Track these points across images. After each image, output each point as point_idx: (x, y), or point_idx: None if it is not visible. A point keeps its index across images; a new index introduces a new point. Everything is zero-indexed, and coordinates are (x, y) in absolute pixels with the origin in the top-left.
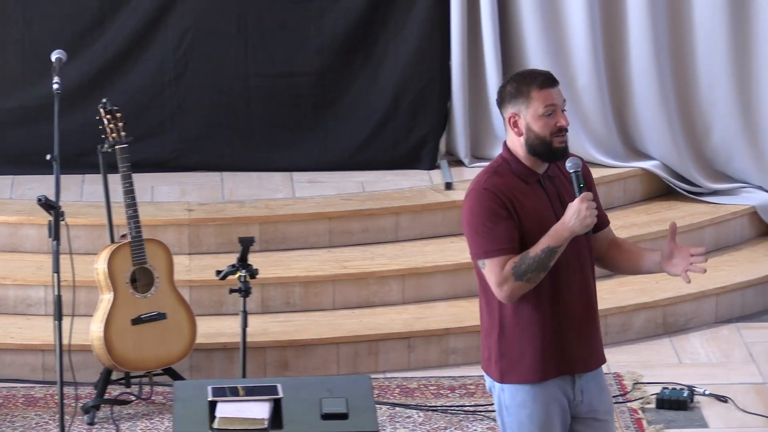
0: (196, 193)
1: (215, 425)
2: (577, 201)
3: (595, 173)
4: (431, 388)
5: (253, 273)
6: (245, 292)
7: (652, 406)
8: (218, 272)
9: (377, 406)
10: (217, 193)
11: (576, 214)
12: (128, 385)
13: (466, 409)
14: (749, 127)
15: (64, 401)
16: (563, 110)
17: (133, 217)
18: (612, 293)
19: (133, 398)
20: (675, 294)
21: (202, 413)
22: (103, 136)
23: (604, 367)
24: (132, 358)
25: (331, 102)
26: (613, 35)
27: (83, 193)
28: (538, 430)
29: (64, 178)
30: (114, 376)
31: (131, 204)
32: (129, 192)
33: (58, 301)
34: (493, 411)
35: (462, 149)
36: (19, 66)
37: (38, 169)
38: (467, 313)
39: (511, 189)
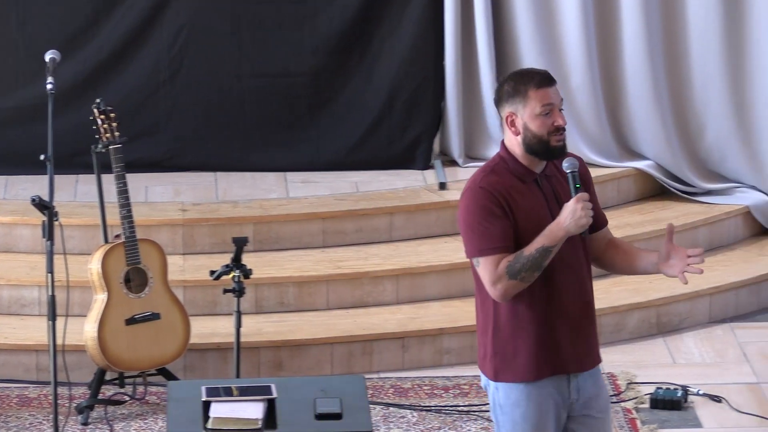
0: (190, 193)
1: (209, 425)
2: (572, 201)
3: None
4: (425, 388)
5: (246, 273)
6: (239, 292)
7: (646, 406)
8: (212, 272)
9: (371, 406)
10: (211, 193)
11: (571, 214)
12: (122, 386)
13: (460, 409)
14: (743, 127)
15: (58, 401)
16: (560, 109)
17: (127, 217)
18: (606, 293)
19: (127, 398)
20: (669, 294)
21: (196, 413)
22: (97, 136)
23: None
24: (126, 359)
25: (325, 102)
26: (607, 34)
27: (77, 193)
28: (532, 429)
29: (58, 178)
30: (108, 376)
31: (125, 204)
32: (123, 192)
33: (52, 302)
34: (487, 411)
35: (456, 149)
36: (13, 66)
37: (32, 169)
38: (461, 313)
39: (507, 188)
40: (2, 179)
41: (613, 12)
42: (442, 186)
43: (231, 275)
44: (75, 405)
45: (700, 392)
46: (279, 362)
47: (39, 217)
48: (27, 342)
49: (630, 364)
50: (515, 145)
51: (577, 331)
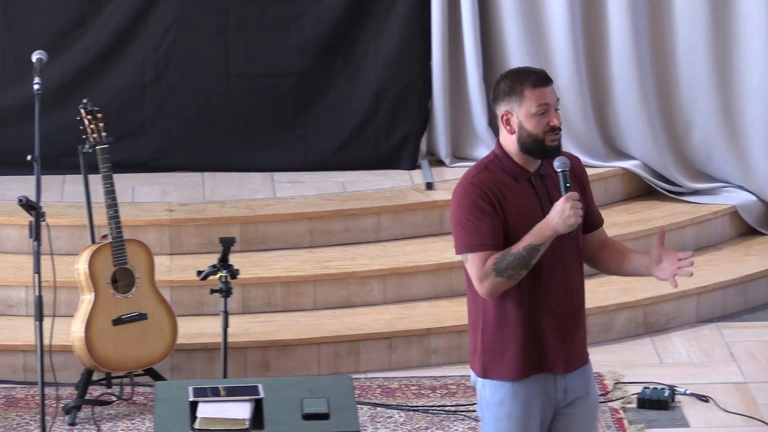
0: (177, 194)
1: (196, 425)
2: (561, 200)
3: None
4: (412, 388)
5: (233, 273)
6: (226, 292)
7: (633, 405)
8: (199, 272)
9: (358, 406)
10: (198, 194)
11: (560, 213)
12: (109, 386)
13: (447, 409)
14: (730, 127)
15: (45, 402)
16: (556, 109)
17: (114, 217)
18: (593, 293)
19: (114, 399)
20: (656, 294)
21: (183, 414)
22: (83, 137)
23: None
24: (113, 359)
25: (312, 102)
26: (594, 34)
27: (64, 194)
28: (516, 427)
29: (44, 178)
30: (95, 376)
31: (112, 204)
32: (110, 192)
33: (39, 302)
34: (474, 411)
35: (443, 149)
36: (0, 66)
37: (19, 169)
38: (448, 313)
39: (499, 185)
40: None
41: (600, 12)
42: (429, 186)
43: (218, 275)
44: (62, 405)
45: (688, 392)
46: (266, 362)
47: (26, 218)
48: (14, 342)
49: (617, 364)
50: (510, 143)
51: (565, 331)
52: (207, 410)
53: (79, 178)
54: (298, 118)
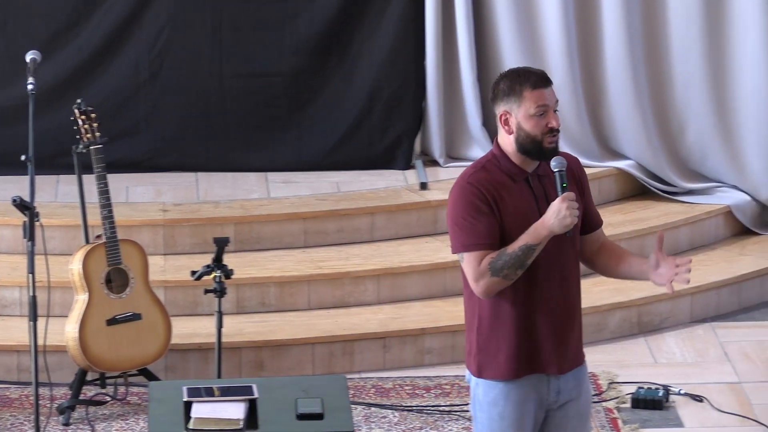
0: (171, 194)
1: (190, 426)
2: (558, 200)
3: None
4: (406, 388)
5: (228, 273)
6: (220, 292)
7: (628, 405)
8: (193, 272)
9: (352, 406)
10: (192, 194)
11: (556, 213)
12: (103, 386)
13: (441, 409)
14: (724, 127)
15: (39, 402)
16: (555, 111)
17: (108, 217)
18: (587, 293)
19: (108, 399)
20: (650, 293)
21: (177, 414)
22: (77, 137)
23: None
24: (107, 359)
25: (306, 102)
26: (588, 34)
27: (58, 194)
28: (509, 428)
29: (38, 178)
30: (89, 376)
31: (106, 204)
32: (104, 192)
33: (33, 302)
34: (468, 411)
35: (437, 149)
36: None
37: (13, 169)
38: (442, 313)
39: (495, 185)
40: None
41: (594, 12)
42: (423, 186)
43: (212, 275)
44: (56, 405)
45: (682, 392)
46: (260, 362)
47: (20, 218)
48: (8, 342)
49: (611, 364)
50: (508, 143)
51: (560, 332)
52: (201, 410)
53: (73, 178)
54: (292, 118)
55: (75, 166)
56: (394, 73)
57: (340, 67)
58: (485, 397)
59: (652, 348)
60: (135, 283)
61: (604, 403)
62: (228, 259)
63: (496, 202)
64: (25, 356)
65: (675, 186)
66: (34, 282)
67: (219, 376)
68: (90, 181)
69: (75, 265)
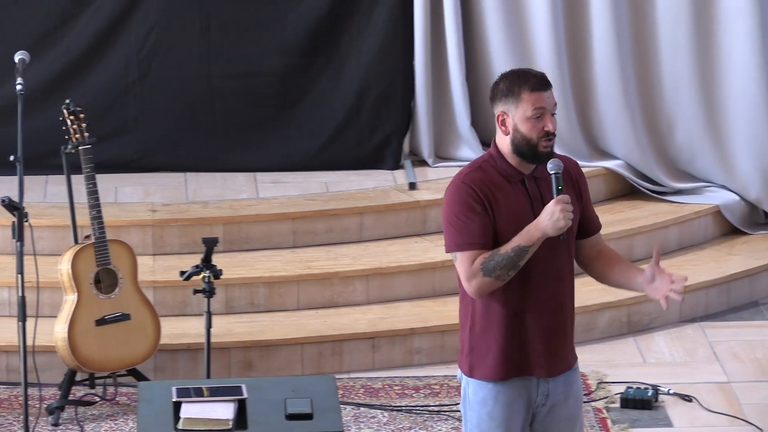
0: (160, 194)
1: (180, 426)
2: (552, 202)
3: None
4: (396, 388)
5: (217, 273)
6: (209, 292)
7: (617, 405)
8: (182, 273)
9: (342, 406)
10: (181, 194)
11: (549, 215)
12: (92, 386)
13: (430, 409)
14: (712, 127)
15: (29, 402)
16: (553, 114)
17: (97, 218)
18: (576, 292)
19: (97, 399)
20: (639, 294)
21: (166, 414)
22: (66, 137)
23: None
24: (96, 359)
25: (295, 102)
26: (577, 35)
27: (47, 194)
28: (498, 428)
29: (27, 179)
30: (78, 377)
31: (95, 205)
32: (93, 193)
33: (22, 302)
34: (458, 411)
35: (426, 149)
36: None
37: (1, 170)
38: (431, 313)
39: (490, 186)
40: None
41: (583, 12)
42: (412, 186)
43: (201, 276)
44: (45, 406)
45: (671, 391)
46: (249, 362)
47: (9, 218)
48: None
49: (600, 364)
50: (504, 144)
51: (551, 335)
52: (190, 410)
53: (62, 178)
54: (280, 118)
55: (64, 166)
56: (383, 73)
57: (328, 67)
58: (475, 397)
59: (642, 348)
60: (124, 283)
61: (593, 403)
62: (217, 260)
63: (490, 203)
64: (14, 356)
65: (664, 186)
66: (23, 282)
67: (208, 377)
68: (79, 181)
69: (64, 265)
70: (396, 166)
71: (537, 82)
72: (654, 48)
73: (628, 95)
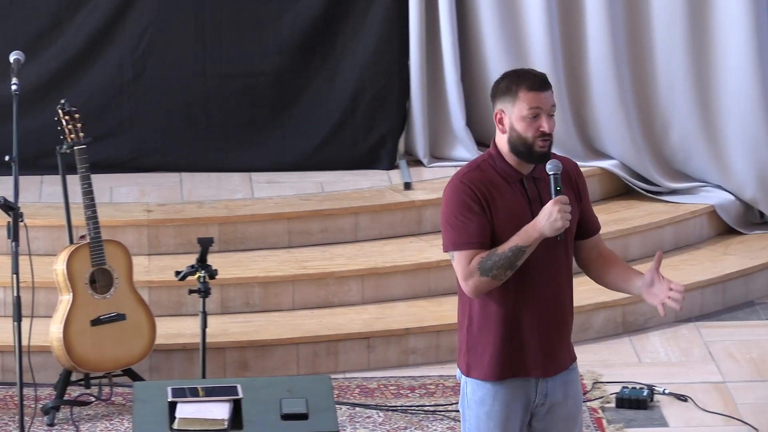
0: (155, 194)
1: (175, 426)
2: (550, 203)
3: None
4: (391, 388)
5: (212, 273)
6: (204, 292)
7: (612, 405)
8: (177, 273)
9: (337, 406)
10: (176, 194)
11: (547, 216)
12: (88, 386)
13: (426, 408)
14: (708, 126)
15: (24, 402)
16: (551, 115)
17: (92, 218)
18: None
19: (92, 399)
20: None
21: (161, 414)
22: (61, 137)
23: None
24: (91, 359)
25: (290, 102)
26: (571, 34)
27: (42, 194)
28: (496, 428)
29: (22, 179)
30: (74, 377)
31: (90, 205)
32: (88, 193)
33: (17, 303)
34: (453, 411)
35: (421, 149)
36: None
37: None
38: (427, 313)
39: (488, 185)
40: None
41: (578, 11)
42: (408, 186)
43: (196, 276)
44: (41, 406)
45: (666, 391)
46: (245, 363)
47: (4, 218)
48: None
49: (596, 364)
50: (503, 143)
51: (548, 336)
52: (186, 410)
53: (57, 178)
54: (275, 118)
55: (59, 166)
56: (378, 73)
57: (323, 67)
58: (473, 396)
59: (637, 348)
60: (119, 283)
61: (588, 403)
62: (212, 260)
63: (488, 203)
64: (10, 357)
65: (659, 185)
66: (18, 282)
67: (203, 377)
68: (74, 181)
69: (59, 265)
70: (391, 166)
71: (535, 81)
72: (649, 47)
73: (623, 94)
